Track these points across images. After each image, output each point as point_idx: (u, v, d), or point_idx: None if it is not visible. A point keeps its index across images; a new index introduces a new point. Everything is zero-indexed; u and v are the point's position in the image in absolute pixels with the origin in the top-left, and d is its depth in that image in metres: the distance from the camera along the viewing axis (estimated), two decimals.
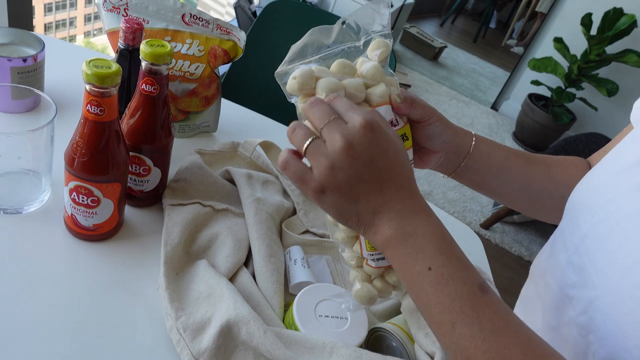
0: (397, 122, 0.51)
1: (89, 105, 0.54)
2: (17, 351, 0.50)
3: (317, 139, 0.44)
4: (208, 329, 0.53)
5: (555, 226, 0.60)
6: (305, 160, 0.45)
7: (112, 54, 0.85)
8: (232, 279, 0.62)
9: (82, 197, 0.58)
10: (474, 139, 0.60)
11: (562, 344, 0.51)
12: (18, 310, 0.54)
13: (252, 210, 0.69)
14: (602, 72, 3.20)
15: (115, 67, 0.53)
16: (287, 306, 0.63)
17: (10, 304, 0.54)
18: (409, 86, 3.86)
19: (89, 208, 0.59)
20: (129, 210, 0.69)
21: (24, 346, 0.51)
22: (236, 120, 0.99)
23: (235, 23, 2.78)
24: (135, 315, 0.57)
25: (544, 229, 2.70)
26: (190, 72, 0.81)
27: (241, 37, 0.83)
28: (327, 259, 0.73)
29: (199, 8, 0.82)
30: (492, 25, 6.19)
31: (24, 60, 0.73)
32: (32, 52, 0.77)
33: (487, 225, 2.59)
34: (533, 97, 3.53)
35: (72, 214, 0.60)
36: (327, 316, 0.59)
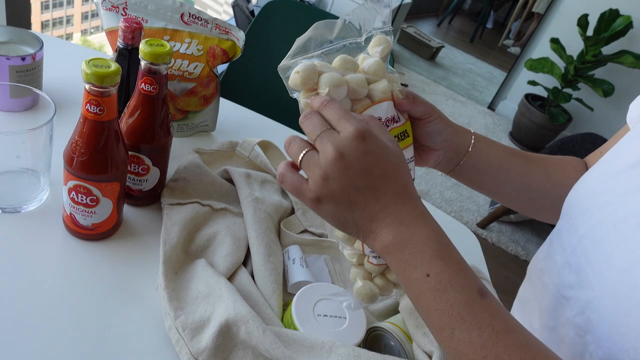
0: (398, 118, 0.51)
1: (88, 104, 0.54)
2: (16, 350, 0.50)
3: (311, 150, 0.44)
4: (207, 328, 0.53)
5: (552, 226, 0.60)
6: (302, 171, 0.46)
7: (109, 52, 0.85)
8: (230, 278, 0.63)
9: (81, 197, 0.58)
10: (473, 137, 0.60)
11: (559, 345, 0.52)
12: (17, 309, 0.54)
13: (251, 209, 0.70)
14: (598, 73, 3.21)
15: (114, 66, 0.53)
16: (285, 305, 0.63)
17: (9, 303, 0.54)
18: (407, 86, 3.87)
19: (88, 207, 0.59)
20: (127, 210, 0.69)
21: (23, 345, 0.51)
22: (234, 119, 0.99)
23: (233, 22, 2.77)
24: (134, 314, 0.57)
25: (540, 229, 2.71)
26: (189, 72, 0.82)
27: (240, 37, 0.84)
28: (325, 259, 0.74)
29: (196, 7, 0.82)
30: (489, 25, 6.20)
31: (23, 59, 0.73)
32: (30, 50, 0.77)
33: (483, 224, 2.60)
34: (529, 97, 3.54)
35: (71, 213, 0.60)
36: (325, 315, 0.59)
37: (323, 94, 0.46)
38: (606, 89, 3.10)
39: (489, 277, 0.77)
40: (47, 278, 0.58)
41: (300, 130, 1.04)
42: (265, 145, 0.84)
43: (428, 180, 2.77)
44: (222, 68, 1.15)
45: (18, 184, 0.65)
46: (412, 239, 0.42)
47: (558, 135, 3.45)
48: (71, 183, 0.58)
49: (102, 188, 0.58)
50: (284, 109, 1.16)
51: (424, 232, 0.43)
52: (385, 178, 0.43)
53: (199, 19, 0.80)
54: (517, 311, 0.65)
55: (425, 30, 5.12)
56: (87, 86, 0.53)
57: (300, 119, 0.46)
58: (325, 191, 0.43)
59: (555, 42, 3.26)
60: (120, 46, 0.69)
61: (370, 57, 0.50)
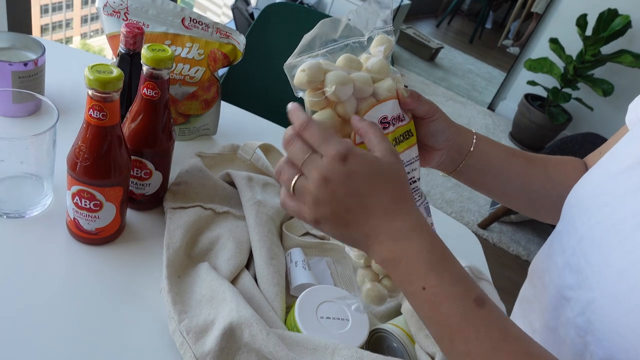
0: (403, 117, 0.51)
1: (91, 110, 0.54)
2: (21, 354, 0.50)
3: (301, 176, 0.45)
4: (211, 331, 0.54)
5: (553, 226, 0.61)
6: None
7: (109, 56, 0.85)
8: (233, 281, 0.63)
9: (85, 201, 0.59)
10: (474, 137, 0.61)
11: (560, 345, 0.52)
12: (22, 313, 0.54)
13: (253, 212, 0.70)
14: (598, 73, 3.21)
15: (117, 72, 0.53)
16: (288, 308, 0.63)
17: (14, 307, 0.54)
18: (406, 87, 3.87)
19: (92, 212, 0.60)
20: (130, 214, 0.69)
21: (27, 349, 0.51)
22: (235, 122, 1.00)
23: (232, 24, 2.78)
24: (138, 318, 0.58)
25: (541, 229, 2.71)
26: (190, 76, 0.82)
27: (240, 41, 0.84)
28: (327, 261, 0.74)
29: (195, 9, 0.83)
30: (488, 25, 6.21)
31: (25, 64, 0.74)
32: (32, 56, 0.77)
33: (484, 225, 2.60)
34: (529, 98, 3.55)
35: (74, 218, 0.61)
36: (328, 318, 0.59)
37: (329, 92, 0.46)
38: (606, 89, 3.10)
39: (490, 277, 0.77)
40: (51, 282, 0.58)
41: None
42: (267, 148, 0.84)
43: (428, 181, 2.77)
44: (222, 71, 1.16)
45: (22, 190, 0.66)
46: (405, 254, 0.43)
47: (558, 135, 3.45)
48: (75, 188, 0.58)
49: (105, 193, 0.59)
50: (284, 112, 1.17)
51: (416, 246, 0.43)
52: (373, 195, 0.44)
53: (200, 23, 0.81)
54: (519, 312, 0.66)
55: (425, 31, 5.12)
56: (90, 92, 0.53)
57: (283, 143, 0.46)
58: (320, 214, 0.44)
59: (554, 42, 3.26)
60: (122, 51, 0.69)
61: (373, 56, 0.50)
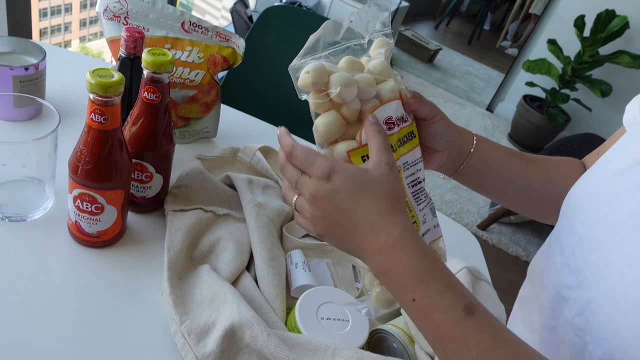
0: (406, 118, 0.51)
1: (92, 114, 0.55)
2: (22, 356, 0.51)
3: (300, 197, 0.48)
4: (212, 333, 0.54)
5: (552, 226, 0.61)
6: None
7: (107, 59, 0.86)
8: (234, 283, 0.63)
9: (86, 204, 0.59)
10: (474, 138, 0.61)
11: (559, 345, 0.52)
12: (23, 316, 0.54)
13: (253, 215, 0.70)
14: (596, 73, 3.22)
15: (118, 76, 0.54)
16: (289, 309, 0.64)
17: (16, 310, 0.55)
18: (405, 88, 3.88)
19: (93, 215, 0.60)
20: (131, 217, 0.70)
21: (29, 351, 0.51)
22: (235, 125, 1.00)
23: (231, 27, 2.79)
24: (140, 320, 0.58)
25: (540, 229, 2.72)
26: (190, 79, 0.83)
27: (240, 44, 0.85)
28: (327, 262, 0.74)
29: (194, 12, 0.83)
30: (487, 27, 6.22)
31: (26, 68, 0.74)
32: (33, 60, 0.78)
33: (484, 226, 2.60)
34: (528, 99, 3.56)
35: (76, 221, 0.61)
36: (328, 318, 0.60)
37: (334, 94, 0.46)
38: (604, 89, 3.11)
39: (489, 278, 0.78)
40: (53, 285, 0.59)
41: (299, 134, 1.05)
42: (267, 151, 0.84)
43: (428, 183, 2.77)
44: (221, 74, 1.16)
45: (23, 193, 0.66)
46: (393, 267, 0.44)
47: (557, 135, 3.46)
48: (76, 191, 0.59)
49: (106, 196, 0.59)
50: (284, 114, 1.18)
51: (403, 258, 0.44)
52: (357, 210, 0.45)
53: (200, 27, 0.81)
54: (518, 312, 0.66)
55: (423, 32, 5.14)
56: (91, 96, 0.53)
57: (279, 165, 0.50)
58: (320, 229, 0.48)
59: (552, 43, 3.27)
60: (123, 55, 0.70)
61: (375, 58, 0.50)
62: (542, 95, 3.51)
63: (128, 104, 0.72)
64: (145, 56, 0.60)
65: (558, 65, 3.34)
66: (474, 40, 5.77)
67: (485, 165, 0.62)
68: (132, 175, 0.66)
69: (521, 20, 5.63)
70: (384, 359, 0.55)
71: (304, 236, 0.77)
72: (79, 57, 1.13)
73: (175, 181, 0.73)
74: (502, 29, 5.97)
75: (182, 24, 0.80)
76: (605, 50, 3.11)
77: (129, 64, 0.70)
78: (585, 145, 2.49)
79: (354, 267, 0.76)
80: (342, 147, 0.48)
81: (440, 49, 4.84)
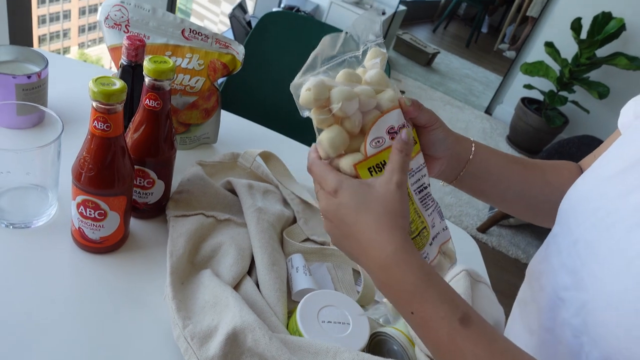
0: (407, 126, 0.52)
1: (95, 121, 0.55)
2: None
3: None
4: (215, 337, 0.55)
5: (551, 229, 0.62)
6: None
7: (107, 65, 0.87)
8: (236, 287, 0.64)
9: (90, 211, 0.60)
10: (473, 145, 0.62)
11: (556, 345, 0.53)
12: (27, 321, 0.55)
13: (254, 219, 0.71)
14: (593, 75, 3.24)
15: (120, 84, 0.55)
16: (290, 313, 0.64)
17: (20, 315, 0.55)
18: (404, 92, 3.89)
19: (96, 221, 0.61)
20: (133, 222, 0.70)
21: (32, 357, 0.52)
22: (235, 131, 1.01)
23: (230, 32, 2.80)
24: (143, 324, 0.59)
25: (540, 232, 2.72)
26: (191, 86, 0.83)
27: (239, 51, 0.86)
28: (327, 266, 0.75)
29: (193, 17, 0.84)
30: (484, 30, 6.23)
31: (29, 77, 0.75)
32: (36, 69, 0.79)
33: (483, 228, 2.61)
34: (526, 101, 3.57)
35: (79, 227, 0.62)
36: (329, 322, 0.60)
37: (336, 109, 0.47)
38: (601, 91, 3.12)
39: (488, 281, 0.78)
40: (56, 291, 0.59)
41: (298, 138, 1.05)
42: (267, 156, 0.85)
43: None
44: (220, 80, 1.17)
45: (27, 200, 0.67)
46: (390, 282, 0.46)
47: (555, 138, 3.47)
48: (80, 198, 0.59)
49: (109, 202, 0.60)
50: (283, 119, 1.18)
51: (397, 274, 0.45)
52: (357, 224, 0.47)
53: (199, 34, 0.82)
54: (517, 313, 0.67)
55: (421, 36, 5.15)
56: (94, 104, 0.54)
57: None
58: (333, 240, 0.51)
59: (549, 45, 3.29)
60: (124, 63, 0.71)
61: (370, 69, 0.51)
62: (540, 97, 3.53)
63: (130, 111, 0.73)
64: (146, 64, 0.60)
65: (555, 67, 3.35)
66: (472, 43, 5.79)
67: (484, 171, 0.62)
68: (134, 182, 0.67)
69: (518, 23, 5.64)
70: None
71: (305, 240, 0.78)
72: (79, 65, 1.14)
73: (177, 187, 0.74)
74: (499, 32, 5.99)
75: (182, 32, 0.81)
76: (602, 52, 3.12)
77: (131, 72, 0.71)
78: (584, 147, 2.50)
79: (354, 270, 0.77)
80: (348, 161, 0.49)
81: (439, 52, 4.85)
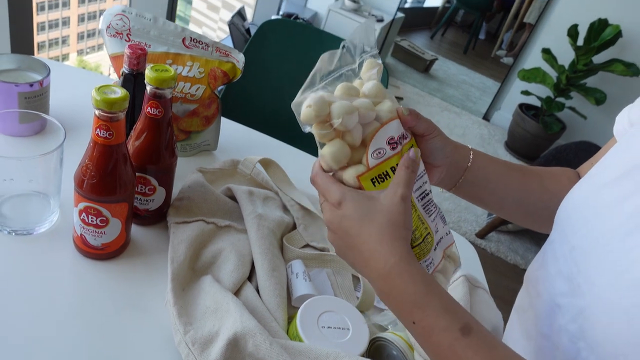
0: (406, 135, 0.53)
1: (98, 129, 0.56)
2: None
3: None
4: (216, 342, 0.55)
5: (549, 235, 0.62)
6: None
7: (105, 72, 0.87)
8: (236, 293, 0.65)
9: (92, 218, 0.61)
10: (471, 153, 0.62)
11: (553, 351, 0.53)
12: (29, 327, 0.56)
13: (254, 226, 0.72)
14: (590, 82, 3.26)
15: (122, 92, 0.55)
16: (290, 318, 0.65)
17: (22, 321, 0.56)
18: (402, 99, 3.91)
19: (98, 228, 0.62)
20: (134, 229, 0.71)
21: None
22: (235, 138, 1.02)
23: (229, 39, 2.82)
24: (144, 330, 0.59)
25: (538, 237, 2.73)
26: (191, 94, 0.84)
27: (240, 59, 0.86)
28: (327, 272, 0.76)
29: (191, 24, 0.85)
30: (482, 36, 6.24)
31: (31, 85, 0.76)
32: (38, 77, 0.79)
33: (482, 234, 2.61)
34: (523, 107, 3.59)
35: (81, 234, 0.63)
36: (329, 327, 0.61)
37: (337, 124, 0.47)
38: (598, 97, 3.14)
39: (487, 286, 0.79)
40: (58, 297, 0.60)
41: (297, 145, 1.06)
42: (266, 163, 0.86)
43: None
44: (220, 87, 1.18)
45: (29, 207, 0.68)
46: (392, 292, 0.47)
47: (553, 144, 3.48)
48: (82, 205, 0.60)
49: (111, 209, 0.61)
50: (282, 126, 1.19)
51: (400, 284, 0.46)
52: (360, 235, 0.48)
53: (200, 42, 0.83)
54: (515, 319, 0.67)
55: (419, 43, 5.17)
56: (96, 112, 0.55)
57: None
58: (336, 250, 0.52)
59: (546, 52, 3.31)
60: (126, 71, 0.71)
61: (367, 81, 0.52)
62: (538, 103, 3.54)
63: (131, 119, 0.73)
64: (148, 72, 0.61)
65: (553, 74, 3.37)
66: (470, 50, 5.80)
67: (483, 179, 0.63)
68: (136, 189, 0.68)
69: (516, 30, 5.66)
70: None
71: (304, 246, 0.79)
72: (79, 72, 1.15)
73: (178, 194, 0.75)
74: (497, 38, 6.00)
75: (183, 40, 0.82)
76: (598, 58, 3.14)
77: (132, 80, 0.72)
78: (581, 153, 2.51)
79: (353, 276, 0.77)
80: (351, 173, 0.50)
81: (436, 58, 4.87)
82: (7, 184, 0.63)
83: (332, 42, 1.34)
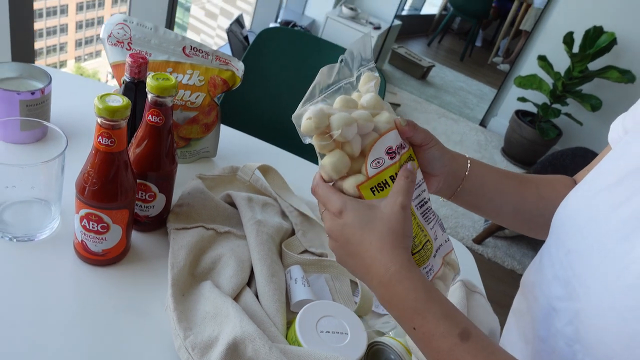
0: (404, 145, 0.54)
1: (100, 137, 0.57)
2: None
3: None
4: (215, 347, 0.56)
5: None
6: None
7: (103, 78, 0.88)
8: (236, 298, 0.65)
9: (93, 224, 0.61)
10: (469, 162, 0.63)
11: (550, 354, 0.54)
12: (30, 333, 0.56)
13: (253, 232, 0.72)
14: (586, 88, 3.28)
15: (124, 101, 0.56)
16: (289, 323, 0.65)
17: (23, 327, 0.56)
18: (399, 105, 3.93)
19: (99, 234, 0.62)
20: (134, 235, 0.72)
21: None
22: (234, 145, 1.02)
23: (227, 47, 2.83)
24: (145, 335, 0.60)
25: (535, 243, 2.73)
26: (191, 101, 0.85)
27: (239, 67, 0.87)
28: (325, 277, 0.76)
29: (189, 31, 0.86)
30: (478, 43, 6.28)
31: (32, 93, 0.77)
32: (39, 85, 0.80)
33: (479, 240, 2.62)
34: (520, 114, 3.61)
35: (82, 240, 0.63)
36: (328, 332, 0.62)
37: (336, 135, 0.49)
38: (594, 104, 3.17)
39: (484, 291, 0.80)
40: (59, 303, 0.60)
41: (295, 152, 1.06)
42: (265, 170, 0.87)
43: None
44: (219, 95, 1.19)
45: (31, 214, 0.68)
46: (393, 299, 0.48)
47: (549, 150, 3.50)
48: (83, 211, 0.61)
49: (112, 215, 0.61)
50: (281, 133, 1.20)
51: (401, 291, 0.47)
52: (362, 243, 0.49)
53: (200, 51, 0.84)
54: (513, 323, 0.68)
55: (416, 50, 5.20)
56: (99, 120, 0.56)
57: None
58: (337, 258, 0.53)
59: (542, 59, 3.34)
60: (127, 80, 0.72)
61: (365, 93, 0.53)
62: (534, 110, 3.56)
63: (132, 126, 0.74)
64: (149, 81, 0.62)
65: (549, 80, 3.39)
66: (466, 57, 5.83)
67: (480, 187, 0.64)
68: (137, 195, 0.68)
69: (512, 37, 5.70)
70: None
71: (303, 252, 0.79)
72: (79, 80, 1.16)
73: (177, 200, 0.75)
74: (493, 46, 6.03)
75: (183, 49, 0.83)
76: (594, 65, 3.17)
77: (133, 88, 0.73)
78: (577, 159, 2.53)
79: (351, 281, 0.78)
80: (351, 182, 0.51)
81: (433, 65, 4.90)
82: (8, 191, 0.64)
83: (329, 49, 1.35)
